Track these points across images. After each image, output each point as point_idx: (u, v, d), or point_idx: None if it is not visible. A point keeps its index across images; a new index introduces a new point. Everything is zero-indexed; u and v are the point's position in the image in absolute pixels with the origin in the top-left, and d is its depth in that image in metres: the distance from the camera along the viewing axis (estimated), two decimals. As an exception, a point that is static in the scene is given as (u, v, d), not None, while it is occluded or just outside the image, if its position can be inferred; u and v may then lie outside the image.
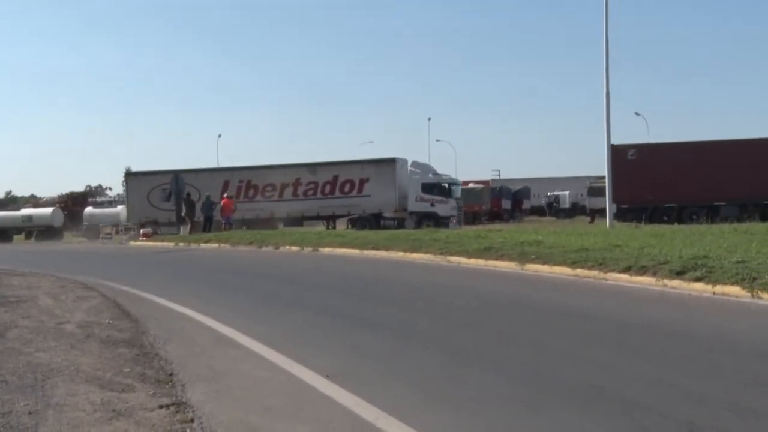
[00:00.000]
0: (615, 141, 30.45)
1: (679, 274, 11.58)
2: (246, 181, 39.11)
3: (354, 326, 9.34)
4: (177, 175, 37.16)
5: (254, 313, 10.73)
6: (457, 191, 38.55)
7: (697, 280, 11.15)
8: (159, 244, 32.06)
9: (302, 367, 6.79)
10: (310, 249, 23.13)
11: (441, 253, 17.99)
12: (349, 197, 37.86)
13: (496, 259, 16.03)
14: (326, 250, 22.64)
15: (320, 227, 36.67)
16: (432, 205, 37.04)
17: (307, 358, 7.18)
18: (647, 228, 25.49)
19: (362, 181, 37.66)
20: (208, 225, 34.22)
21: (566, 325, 9.00)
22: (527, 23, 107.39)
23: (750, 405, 5.32)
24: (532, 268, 14.67)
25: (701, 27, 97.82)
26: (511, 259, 15.65)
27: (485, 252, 16.79)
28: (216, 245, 27.68)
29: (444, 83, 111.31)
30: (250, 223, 36.65)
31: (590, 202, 45.70)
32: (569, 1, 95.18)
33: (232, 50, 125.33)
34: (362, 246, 21.66)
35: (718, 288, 10.65)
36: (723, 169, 33.64)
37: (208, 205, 34.74)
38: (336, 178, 38.15)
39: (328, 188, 38.23)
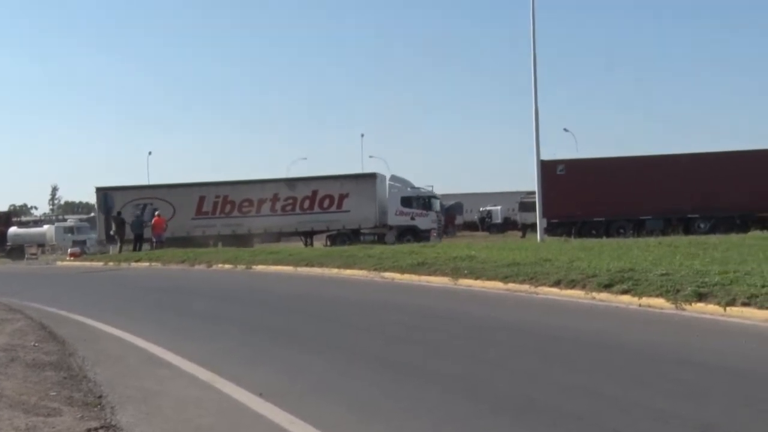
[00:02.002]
0: (545, 156, 31.15)
1: (607, 287, 11.86)
2: (222, 197, 38.39)
3: (288, 343, 9.28)
4: (105, 193, 36.31)
5: (186, 332, 10.56)
6: (437, 204, 38.63)
7: (624, 292, 11.44)
8: (88, 263, 31.28)
9: (235, 386, 6.72)
10: (243, 267, 22.89)
11: (375, 269, 18.03)
12: (329, 213, 37.48)
13: (430, 275, 16.16)
14: (260, 267, 22.44)
15: (298, 244, 36.26)
16: (412, 218, 36.97)
17: (240, 376, 7.10)
18: (576, 242, 26.03)
19: (342, 197, 37.33)
20: (138, 244, 33.54)
21: (499, 338, 9.14)
22: (458, 40, 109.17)
23: (675, 413, 5.49)
24: (465, 282, 14.83)
25: (629, 43, 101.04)
26: (444, 274, 15.80)
27: (418, 267, 16.90)
28: (147, 264, 27.16)
29: (377, 99, 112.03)
30: (226, 240, 36.37)
31: (522, 217, 46.44)
32: (499, 17, 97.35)
33: (157, 69, 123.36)
34: (296, 263, 21.56)
35: (644, 300, 10.95)
36: (648, 183, 34.63)
37: (139, 224, 34.05)
38: (315, 193, 37.75)
39: (307, 203, 37.78)
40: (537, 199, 28.55)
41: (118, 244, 34.51)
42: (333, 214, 37.35)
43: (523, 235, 42.62)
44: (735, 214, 33.75)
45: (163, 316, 12.73)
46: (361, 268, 18.64)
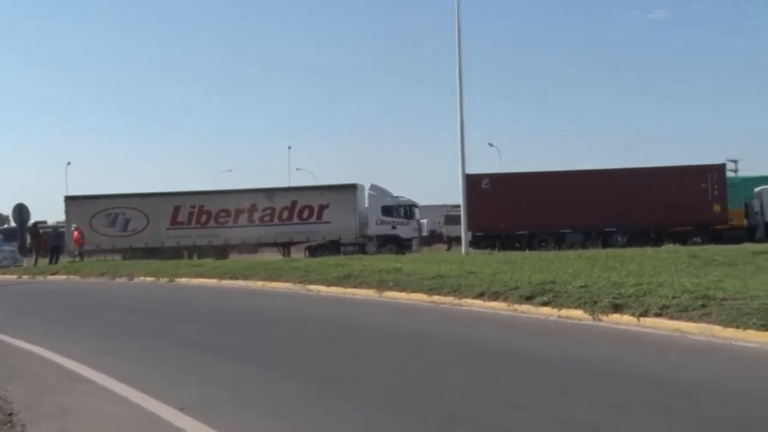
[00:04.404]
0: (470, 170, 31.58)
1: (528, 299, 12.11)
2: (198, 207, 37.60)
3: (212, 357, 9.15)
4: (20, 205, 35.14)
5: (106, 346, 10.30)
6: (417, 213, 38.62)
7: (545, 304, 11.70)
8: (0, 277, 30.16)
9: (155, 401, 6.59)
10: (166, 279, 22.46)
11: (300, 282, 17.95)
12: (308, 223, 37.05)
13: (355, 287, 16.18)
14: (183, 280, 22.06)
15: (277, 255, 35.69)
16: (393, 227, 36.78)
17: (162, 390, 6.98)
18: (500, 255, 26.48)
19: (322, 207, 36.95)
20: (55, 257, 32.55)
21: (424, 351, 9.22)
22: (383, 53, 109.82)
23: (595, 424, 5.64)
24: (391, 295, 14.91)
25: (552, 59, 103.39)
26: (370, 286, 15.84)
27: (344, 280, 16.90)
28: (64, 277, 26.34)
29: (303, 112, 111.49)
30: (202, 250, 35.76)
31: (447, 230, 46.95)
32: (425, 32, 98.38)
33: (76, 74, 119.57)
34: (220, 276, 21.28)
35: (564, 312, 11.22)
36: (568, 198, 35.50)
37: (56, 236, 33.03)
38: (294, 203, 37.29)
39: (285, 214, 37.24)
40: (462, 212, 28.94)
41: (34, 257, 33.43)
42: (313, 225, 37.08)
43: (449, 248, 43.07)
44: (650, 228, 34.91)
45: (82, 330, 12.38)
46: (287, 281, 18.52)
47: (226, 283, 20.39)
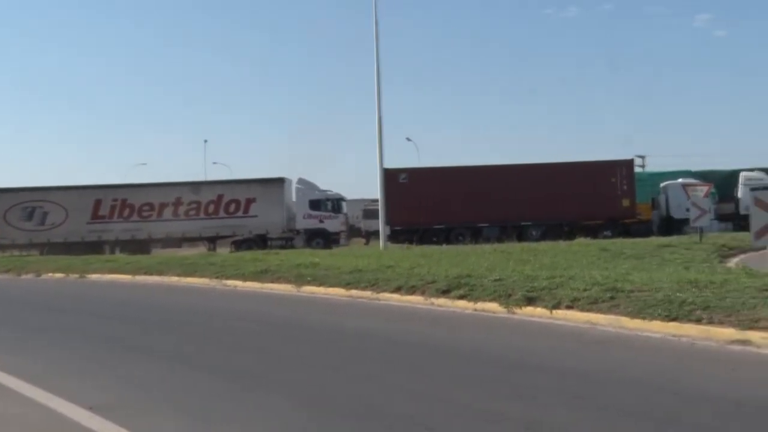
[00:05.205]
0: (389, 165, 31.74)
1: (445, 292, 12.28)
2: (121, 200, 36.60)
3: (125, 355, 8.95)
4: None
5: (11, 345, 9.93)
6: (344, 206, 38.33)
7: (461, 297, 11.89)
8: None
9: (63, 401, 6.39)
10: (76, 276, 21.81)
11: (217, 277, 17.74)
12: (235, 217, 36.51)
13: (273, 282, 16.08)
14: (95, 276, 21.47)
15: (202, 249, 34.84)
16: (321, 221, 36.49)
17: (70, 390, 6.77)
18: (418, 249, 26.72)
19: (249, 201, 36.44)
20: None
21: (341, 345, 9.24)
22: (303, 46, 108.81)
23: (504, 413, 5.76)
24: (309, 290, 14.88)
25: (469, 54, 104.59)
26: (287, 281, 15.77)
27: (262, 275, 16.78)
28: (-34, 273, 25.27)
29: (220, 105, 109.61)
30: (125, 245, 35.01)
31: (365, 225, 47.03)
32: (342, 26, 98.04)
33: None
34: (134, 271, 20.81)
35: (479, 305, 11.42)
36: (484, 192, 36.07)
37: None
38: (221, 197, 36.72)
39: (212, 208, 36.62)
40: (380, 206, 29.07)
41: None
42: (239, 219, 36.62)
43: (367, 242, 43.18)
44: (563, 222, 35.83)
45: (-15, 328, 11.89)
46: (203, 276, 18.28)
47: (140, 278, 19.97)
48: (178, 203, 36.94)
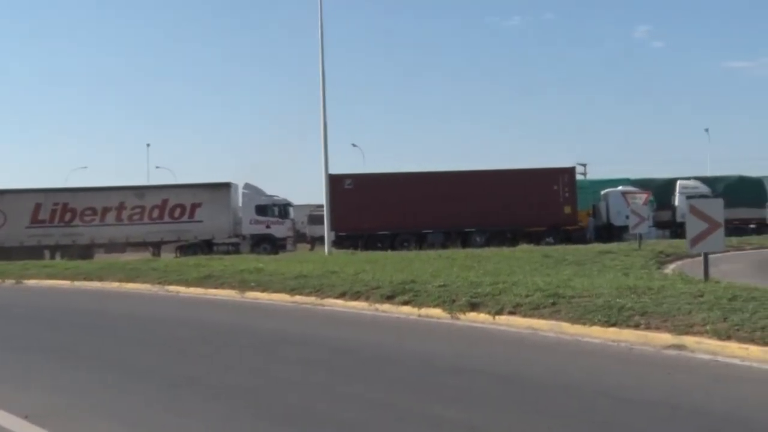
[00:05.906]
0: (334, 171, 31.69)
1: (389, 298, 12.32)
2: (62, 204, 35.59)
3: (62, 361, 8.76)
4: None
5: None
6: (291, 212, 37.91)
7: (405, 303, 11.94)
8: None
9: (-2, 410, 6.23)
10: (12, 281, 21.24)
11: (159, 283, 17.47)
12: (180, 222, 35.80)
13: (216, 288, 15.92)
14: (32, 281, 20.94)
15: (146, 255, 34.00)
16: (267, 227, 36.03)
17: (6, 397, 6.61)
18: (362, 254, 26.76)
19: (194, 206, 35.82)
20: None
21: (285, 351, 9.20)
22: (245, 53, 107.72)
23: (446, 418, 5.82)
24: (252, 295, 14.77)
25: (414, 61, 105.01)
26: (231, 287, 15.63)
27: (205, 280, 16.60)
28: None
29: (163, 109, 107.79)
30: (66, 250, 33.88)
31: (310, 230, 46.88)
32: (285, 30, 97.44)
33: None
34: (73, 277, 20.36)
35: (423, 310, 11.49)
36: (429, 198, 36.29)
37: None
38: (165, 202, 35.97)
39: (156, 213, 35.87)
40: (325, 212, 29.04)
41: None
42: (185, 224, 35.99)
43: (312, 248, 43.06)
44: (507, 229, 36.25)
45: None
46: (145, 282, 17.99)
47: (80, 284, 19.55)
48: (121, 208, 36.29)
